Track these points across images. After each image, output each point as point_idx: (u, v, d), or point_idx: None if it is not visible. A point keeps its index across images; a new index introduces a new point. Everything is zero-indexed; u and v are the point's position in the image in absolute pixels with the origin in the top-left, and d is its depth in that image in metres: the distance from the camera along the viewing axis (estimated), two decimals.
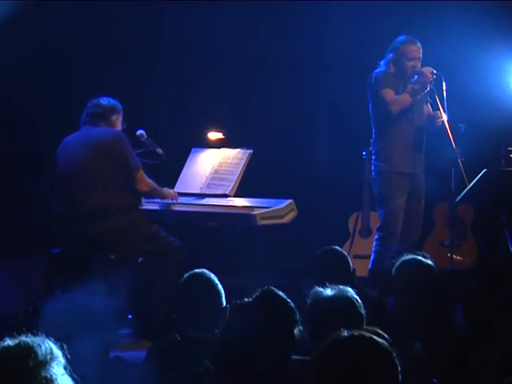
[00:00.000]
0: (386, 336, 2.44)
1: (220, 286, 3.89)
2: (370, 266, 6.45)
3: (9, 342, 2.13)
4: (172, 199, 6.25)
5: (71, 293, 5.73)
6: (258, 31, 8.15)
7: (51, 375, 2.09)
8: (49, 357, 2.10)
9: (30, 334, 2.15)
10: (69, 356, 2.16)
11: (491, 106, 7.51)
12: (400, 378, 2.31)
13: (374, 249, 6.47)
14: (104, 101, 5.94)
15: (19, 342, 2.11)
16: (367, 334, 2.36)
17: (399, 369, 2.31)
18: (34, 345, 2.11)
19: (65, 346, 2.18)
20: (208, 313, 3.77)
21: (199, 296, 3.85)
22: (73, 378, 2.15)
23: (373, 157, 6.53)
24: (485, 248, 7.65)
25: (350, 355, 2.30)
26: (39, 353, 2.09)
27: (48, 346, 2.12)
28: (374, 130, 6.52)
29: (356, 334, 2.35)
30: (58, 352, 2.14)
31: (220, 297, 3.87)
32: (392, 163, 6.39)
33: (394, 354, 2.33)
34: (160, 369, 3.60)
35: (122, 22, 7.71)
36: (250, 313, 2.79)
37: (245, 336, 2.73)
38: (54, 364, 2.10)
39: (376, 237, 6.53)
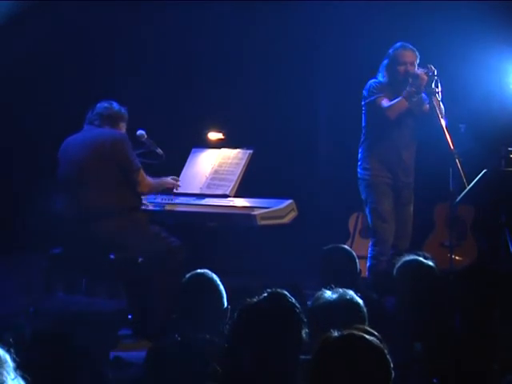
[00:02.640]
0: (375, 333, 2.45)
1: (222, 287, 3.89)
2: (367, 271, 6.47)
3: None
4: (173, 187, 6.29)
5: (71, 293, 5.75)
6: (258, 31, 8.16)
7: (2, 380, 2.06)
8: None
9: None
10: (17, 359, 2.13)
11: (491, 106, 7.50)
12: (393, 373, 2.32)
13: (369, 255, 6.51)
14: (116, 106, 5.97)
15: None
16: (357, 333, 2.37)
17: (391, 365, 2.32)
18: None
19: (12, 350, 2.14)
20: (209, 313, 3.77)
21: (201, 296, 3.85)
22: (24, 380, 2.12)
23: (358, 163, 6.60)
24: (485, 248, 7.65)
25: (343, 354, 2.31)
26: None
27: None
28: (361, 139, 6.61)
29: (346, 333, 2.37)
30: (6, 356, 2.11)
31: (222, 298, 3.87)
32: (371, 172, 6.51)
33: (386, 351, 2.34)
34: (160, 369, 3.60)
35: (122, 22, 7.71)
36: (259, 314, 2.79)
37: (254, 337, 2.73)
38: (4, 368, 2.07)
39: (370, 243, 6.58)
